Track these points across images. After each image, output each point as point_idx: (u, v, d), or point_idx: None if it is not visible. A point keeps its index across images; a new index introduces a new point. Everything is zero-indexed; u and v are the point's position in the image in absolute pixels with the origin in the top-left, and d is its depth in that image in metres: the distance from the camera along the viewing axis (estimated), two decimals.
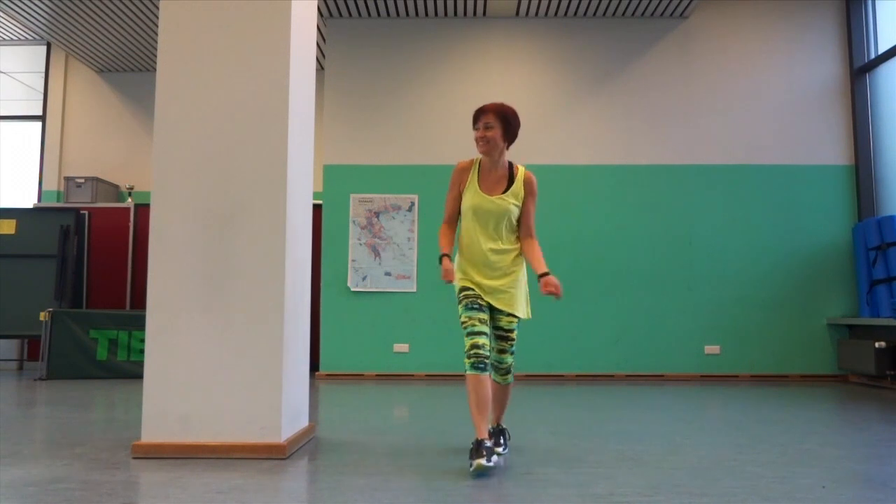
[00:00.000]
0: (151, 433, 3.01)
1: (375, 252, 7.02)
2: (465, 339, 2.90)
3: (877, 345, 6.00)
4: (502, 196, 2.97)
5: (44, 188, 8.53)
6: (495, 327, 3.02)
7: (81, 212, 7.75)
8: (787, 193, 7.00)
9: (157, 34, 3.56)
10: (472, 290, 2.96)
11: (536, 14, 7.23)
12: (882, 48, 6.88)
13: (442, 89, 7.22)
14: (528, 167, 3.15)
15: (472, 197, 2.99)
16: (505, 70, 7.23)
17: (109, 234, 8.04)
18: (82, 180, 8.05)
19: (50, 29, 7.53)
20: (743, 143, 7.07)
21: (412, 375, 6.86)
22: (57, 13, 7.15)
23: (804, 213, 6.98)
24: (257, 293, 3.08)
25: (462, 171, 3.07)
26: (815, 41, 7.18)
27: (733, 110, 7.12)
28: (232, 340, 3.05)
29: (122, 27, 7.46)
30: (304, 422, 3.45)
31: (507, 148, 3.04)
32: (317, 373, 6.91)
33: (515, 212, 3.00)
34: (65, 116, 8.64)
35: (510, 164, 3.05)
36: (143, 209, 8.04)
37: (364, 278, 6.99)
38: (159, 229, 3.12)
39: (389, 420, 4.25)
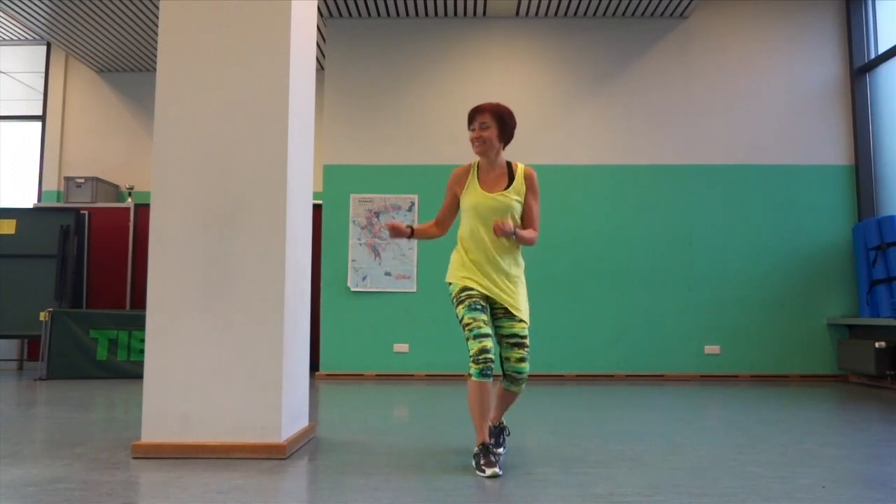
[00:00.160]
0: (151, 433, 3.01)
1: (375, 252, 7.02)
2: (471, 341, 2.77)
3: (877, 345, 6.00)
4: (504, 193, 2.94)
5: (44, 188, 8.53)
6: (509, 335, 2.91)
7: (81, 212, 7.75)
8: (787, 193, 7.00)
9: (157, 34, 3.57)
10: (475, 290, 2.88)
11: (536, 14, 7.23)
12: (882, 48, 6.88)
13: (442, 89, 7.22)
14: (527, 166, 3.13)
15: (473, 196, 2.96)
16: (505, 70, 7.23)
17: (109, 234, 8.04)
18: (82, 180, 8.05)
19: (50, 29, 7.53)
20: (743, 143, 7.07)
21: (412, 375, 6.86)
22: (57, 13, 7.15)
23: (804, 213, 6.98)
24: (257, 293, 3.08)
25: (459, 177, 3.04)
26: (815, 41, 7.18)
27: (733, 110, 7.12)
28: (232, 340, 3.05)
29: (122, 27, 7.46)
30: (304, 422, 3.45)
31: (504, 148, 3.02)
32: (317, 373, 6.91)
33: (518, 208, 2.96)
34: (65, 116, 8.64)
35: (508, 163, 3.04)
36: (143, 209, 8.04)
37: (364, 278, 6.99)
38: (159, 229, 3.12)
39: (389, 420, 4.25)
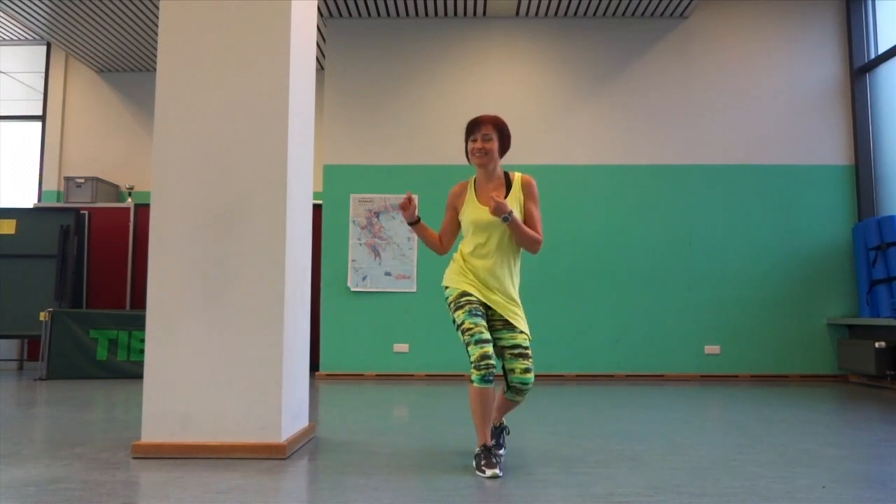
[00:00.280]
0: (151, 433, 3.01)
1: (375, 252, 7.02)
2: (472, 347, 2.75)
3: (877, 345, 6.00)
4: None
5: (44, 188, 8.53)
6: (512, 346, 2.89)
7: (81, 212, 7.75)
8: (787, 193, 7.00)
9: (157, 34, 3.57)
10: (474, 296, 2.87)
11: (536, 14, 7.23)
12: (882, 48, 6.88)
13: (442, 89, 7.22)
14: (527, 167, 3.13)
15: (472, 211, 2.94)
16: (505, 70, 7.23)
17: (109, 234, 8.04)
18: (82, 180, 8.05)
19: (50, 29, 7.53)
20: (743, 143, 7.07)
21: (412, 375, 6.86)
22: (57, 13, 7.15)
23: (804, 213, 6.98)
24: (257, 293, 3.08)
25: (456, 194, 3.03)
26: (815, 41, 7.18)
27: (733, 110, 7.12)
28: (232, 340, 3.05)
29: (122, 27, 7.46)
30: (304, 422, 3.45)
31: (500, 160, 3.00)
32: (317, 373, 6.91)
33: (518, 217, 2.96)
34: (65, 116, 8.64)
35: (506, 173, 3.02)
36: (143, 209, 8.04)
37: (364, 278, 6.99)
38: (159, 229, 3.12)
39: (389, 420, 4.25)
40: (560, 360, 6.86)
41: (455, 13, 7.24)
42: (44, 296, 7.11)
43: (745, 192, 7.02)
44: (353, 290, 6.97)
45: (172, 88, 3.18)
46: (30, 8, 7.04)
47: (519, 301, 2.97)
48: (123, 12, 7.13)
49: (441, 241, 3.10)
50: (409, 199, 2.94)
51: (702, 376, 6.81)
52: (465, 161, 3.10)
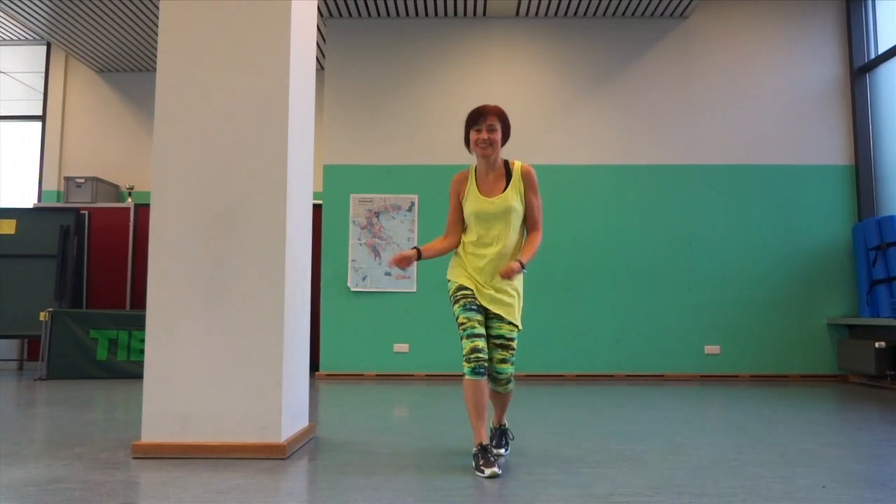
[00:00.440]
0: (151, 433, 3.01)
1: (375, 252, 7.02)
2: (465, 341, 2.85)
3: (877, 345, 6.00)
4: (502, 196, 2.95)
5: (44, 188, 8.53)
6: (496, 336, 2.93)
7: (81, 212, 7.75)
8: (787, 193, 7.00)
9: (157, 34, 3.57)
10: (470, 290, 2.92)
11: (536, 14, 7.23)
12: (882, 48, 6.88)
13: (442, 89, 7.22)
14: (524, 163, 3.12)
15: (473, 203, 2.96)
16: (505, 70, 7.23)
17: (109, 234, 8.04)
18: (82, 180, 8.05)
19: (50, 29, 7.53)
20: (743, 143, 7.07)
21: (412, 375, 6.86)
22: (57, 13, 7.15)
23: (804, 213, 6.98)
24: (257, 293, 3.08)
25: (459, 183, 3.05)
26: (815, 41, 7.18)
27: (733, 110, 7.12)
28: (232, 340, 3.05)
29: (122, 27, 7.46)
30: (304, 422, 3.45)
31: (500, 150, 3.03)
32: (317, 373, 6.91)
33: (520, 209, 2.96)
34: (65, 116, 8.64)
35: (506, 162, 3.04)
36: (143, 209, 8.04)
37: (364, 278, 6.99)
38: (159, 229, 3.12)
39: (389, 420, 4.25)
40: (560, 360, 6.86)
41: (455, 13, 7.24)
42: (44, 296, 7.11)
43: (745, 192, 7.02)
44: (353, 290, 6.97)
45: (172, 88, 3.18)
46: (30, 8, 7.04)
47: (519, 288, 2.98)
48: (123, 12, 7.13)
49: (447, 237, 3.08)
50: (399, 260, 2.92)
51: (702, 376, 6.81)
52: (465, 160, 3.10)
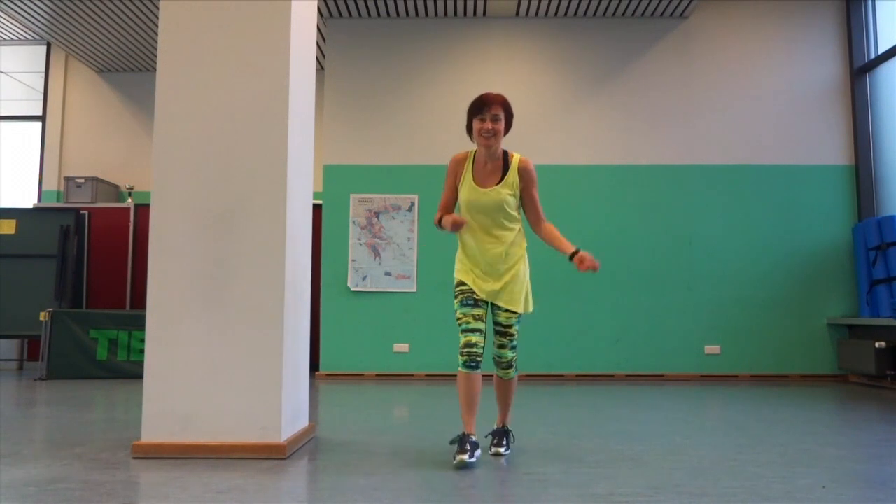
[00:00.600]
0: (151, 433, 3.01)
1: (375, 252, 7.02)
2: (460, 335, 2.93)
3: (877, 345, 6.00)
4: (496, 188, 2.96)
5: (44, 188, 8.53)
6: (495, 322, 3.01)
7: (81, 212, 7.75)
8: (787, 193, 7.00)
9: (157, 34, 3.57)
10: (467, 285, 2.96)
11: (536, 14, 7.23)
12: (882, 48, 6.88)
13: (442, 89, 7.22)
14: (522, 156, 3.12)
15: (467, 191, 2.99)
16: (505, 70, 7.23)
17: (109, 234, 8.03)
18: (82, 180, 8.05)
19: (50, 29, 7.53)
20: (743, 143, 7.07)
21: (412, 375, 6.86)
22: (57, 13, 7.15)
23: (804, 213, 6.98)
24: (257, 293, 3.07)
25: (458, 163, 3.06)
26: (815, 41, 7.17)
27: (733, 110, 7.12)
28: (232, 340, 3.05)
29: (122, 27, 7.46)
30: (304, 422, 3.45)
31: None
32: (317, 373, 6.90)
33: (512, 202, 2.97)
34: (65, 116, 8.64)
35: (505, 153, 3.04)
36: (143, 209, 8.04)
37: (364, 278, 6.99)
38: (159, 229, 3.12)
39: (389, 420, 4.25)
40: (560, 360, 6.86)
41: (455, 13, 7.24)
42: (44, 296, 7.11)
43: (745, 192, 7.02)
44: (353, 290, 6.97)
45: (172, 88, 3.18)
46: (30, 8, 7.04)
47: (520, 266, 3.00)
48: (123, 12, 7.13)
49: (444, 213, 3.08)
50: (455, 222, 2.91)
51: (702, 376, 6.81)
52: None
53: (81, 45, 7.92)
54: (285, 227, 3.12)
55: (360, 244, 7.03)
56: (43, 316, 6.50)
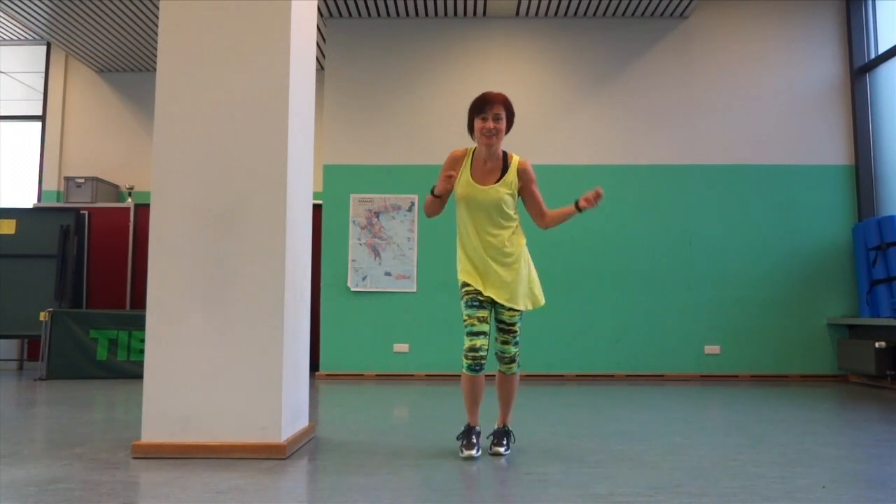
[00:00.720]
0: (151, 433, 3.01)
1: (375, 252, 7.02)
2: (465, 337, 2.96)
3: (877, 345, 6.00)
4: (494, 186, 2.98)
5: (44, 188, 8.53)
6: (498, 320, 3.02)
7: (81, 212, 7.75)
8: (787, 193, 7.00)
9: (157, 34, 3.57)
10: (472, 285, 2.98)
11: (536, 14, 7.23)
12: (882, 48, 6.88)
13: (442, 89, 7.22)
14: (521, 158, 3.13)
15: (464, 187, 3.01)
16: (505, 70, 7.23)
17: (109, 234, 8.04)
18: (82, 180, 8.05)
19: (50, 29, 7.53)
20: (743, 143, 7.07)
21: (412, 375, 6.86)
22: (57, 13, 7.15)
23: (804, 213, 6.98)
24: (257, 293, 3.07)
25: (456, 160, 3.10)
26: (815, 41, 7.17)
27: (733, 110, 7.12)
28: (232, 340, 3.05)
29: (122, 27, 7.46)
30: (304, 422, 3.45)
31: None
32: (317, 373, 6.90)
33: (509, 201, 3.00)
34: (65, 116, 8.64)
35: (504, 154, 3.06)
36: (143, 209, 8.04)
37: (364, 278, 6.99)
38: (159, 229, 3.12)
39: (389, 420, 4.25)
40: (560, 360, 6.86)
41: (455, 13, 7.24)
42: (44, 296, 7.11)
43: (745, 192, 7.02)
44: (353, 290, 6.97)
45: (172, 88, 3.18)
46: (30, 8, 7.04)
47: (520, 262, 3.01)
48: (123, 12, 7.13)
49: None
50: (450, 178, 2.95)
51: (702, 376, 6.81)
52: None
53: (81, 45, 7.92)
54: (285, 227, 3.12)
55: (360, 244, 7.03)
56: (43, 316, 6.50)
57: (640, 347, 6.86)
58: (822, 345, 6.84)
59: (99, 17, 7.24)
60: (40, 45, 8.74)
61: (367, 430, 3.77)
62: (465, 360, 2.96)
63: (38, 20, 7.32)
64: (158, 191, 3.14)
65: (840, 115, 7.08)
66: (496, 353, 3.08)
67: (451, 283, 3.16)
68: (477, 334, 2.93)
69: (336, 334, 6.94)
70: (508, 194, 2.99)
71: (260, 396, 3.03)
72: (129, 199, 8.27)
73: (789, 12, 7.21)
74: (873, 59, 6.93)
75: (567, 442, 3.41)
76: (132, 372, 6.37)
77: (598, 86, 7.19)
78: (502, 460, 2.96)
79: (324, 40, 7.63)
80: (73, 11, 7.11)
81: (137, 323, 6.52)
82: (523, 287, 3.01)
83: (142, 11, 7.12)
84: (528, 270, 3.06)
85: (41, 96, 8.71)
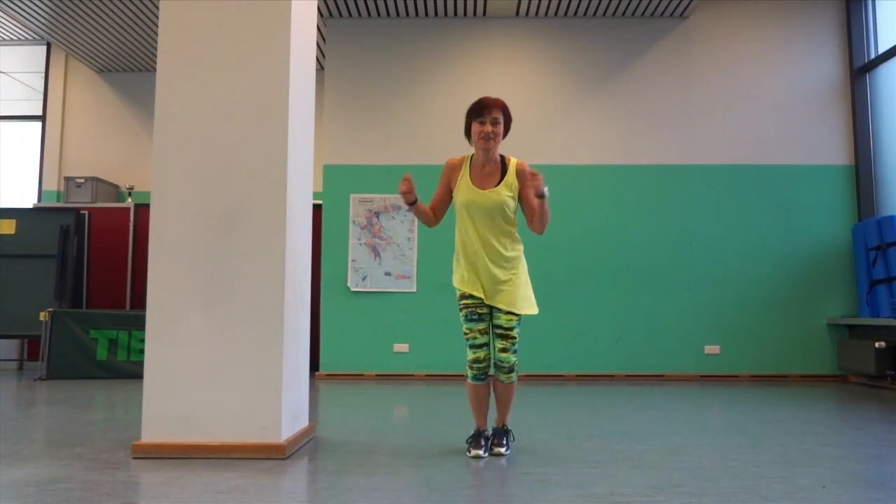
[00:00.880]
0: (151, 433, 3.01)
1: (375, 252, 7.02)
2: (468, 350, 3.03)
3: (877, 345, 6.00)
4: (495, 189, 2.98)
5: (44, 188, 8.53)
6: (495, 326, 3.03)
7: (81, 212, 7.75)
8: (787, 193, 7.00)
9: (157, 34, 3.57)
10: (470, 298, 3.00)
11: (536, 14, 7.23)
12: (882, 48, 6.88)
13: (442, 89, 7.22)
14: (519, 160, 3.13)
15: (465, 193, 3.01)
16: (505, 70, 7.23)
17: (109, 234, 8.03)
18: (82, 180, 8.05)
19: (50, 29, 7.53)
20: (743, 143, 7.07)
21: (412, 375, 6.85)
22: (57, 13, 7.15)
23: (804, 213, 6.98)
24: (257, 293, 3.07)
25: (453, 169, 3.10)
26: (815, 41, 7.17)
27: (733, 110, 7.12)
28: (232, 340, 3.05)
29: (122, 27, 7.46)
30: (304, 422, 3.45)
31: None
32: (317, 373, 6.90)
33: (511, 204, 3.00)
34: (65, 116, 8.64)
35: (502, 157, 3.07)
36: (143, 209, 8.04)
37: (364, 278, 6.99)
38: (159, 229, 3.12)
39: (389, 420, 4.25)
40: (560, 360, 6.86)
41: (455, 13, 7.24)
42: (44, 296, 7.10)
43: (745, 192, 7.02)
44: (353, 290, 6.97)
45: (172, 88, 3.18)
46: (30, 8, 7.04)
47: (518, 268, 3.02)
48: (123, 12, 7.13)
49: (434, 214, 3.16)
50: (409, 181, 2.96)
51: (702, 376, 6.81)
52: None
53: (81, 45, 7.92)
54: (285, 227, 3.12)
55: (360, 244, 7.03)
56: (43, 316, 6.50)
57: (640, 347, 6.86)
58: (822, 345, 6.84)
59: (99, 17, 7.24)
60: (40, 45, 8.74)
61: (367, 430, 3.77)
62: (469, 371, 3.04)
63: (38, 20, 7.32)
64: (158, 191, 3.14)
65: (840, 115, 7.08)
66: (495, 363, 3.08)
67: (450, 284, 3.16)
68: (479, 346, 3.01)
69: (336, 334, 6.94)
70: (510, 196, 2.99)
71: (260, 396, 3.03)
72: (129, 199, 8.27)
73: (789, 12, 7.21)
74: (873, 59, 6.93)
75: (567, 442, 3.41)
76: (132, 372, 6.37)
77: (598, 86, 7.19)
78: (502, 460, 2.96)
79: (324, 40, 7.63)
80: (73, 11, 7.11)
81: (137, 323, 6.52)
82: (521, 291, 3.02)
83: (142, 11, 7.12)
84: (525, 276, 3.08)
85: (41, 96, 8.71)
